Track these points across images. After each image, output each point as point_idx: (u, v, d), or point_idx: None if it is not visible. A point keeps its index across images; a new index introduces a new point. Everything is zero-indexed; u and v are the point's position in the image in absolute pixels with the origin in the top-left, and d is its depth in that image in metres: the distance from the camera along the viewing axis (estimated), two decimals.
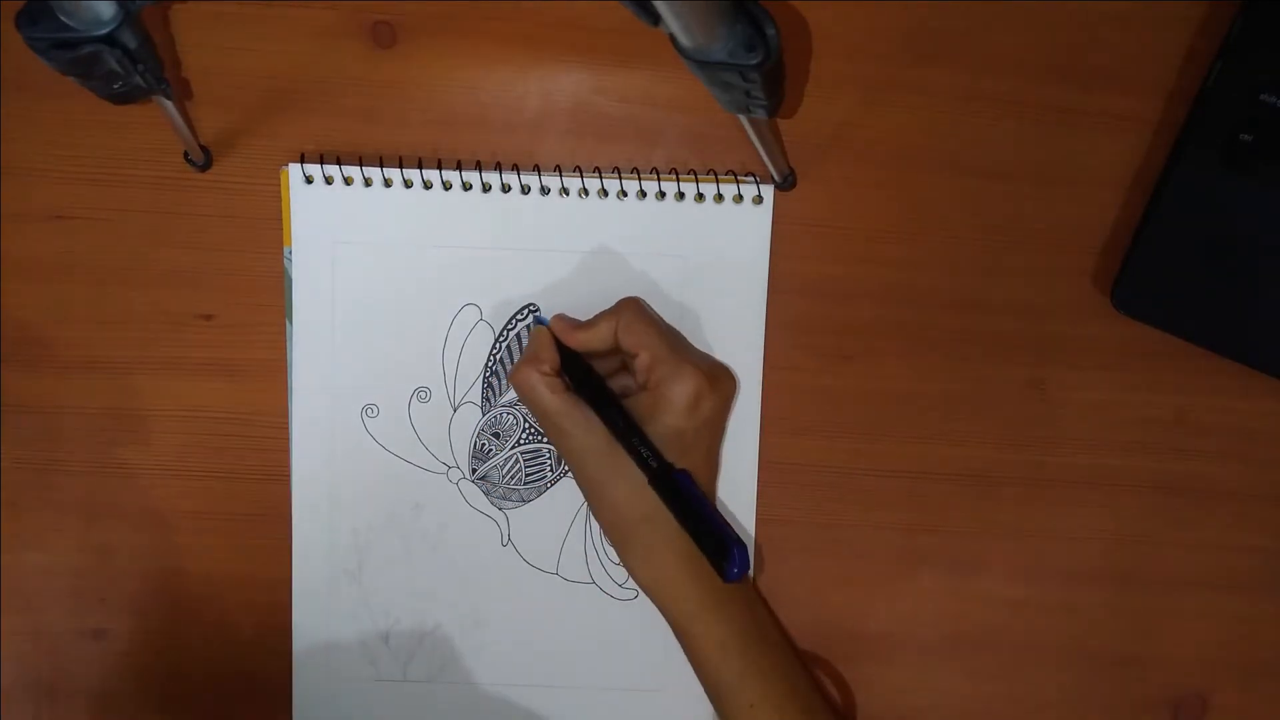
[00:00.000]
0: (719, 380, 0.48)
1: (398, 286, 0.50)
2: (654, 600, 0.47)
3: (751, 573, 0.51)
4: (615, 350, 0.47)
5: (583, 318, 0.50)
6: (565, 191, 0.49)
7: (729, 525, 0.43)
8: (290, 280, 0.50)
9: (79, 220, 0.50)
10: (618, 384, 0.48)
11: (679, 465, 0.44)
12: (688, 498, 0.44)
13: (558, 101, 0.50)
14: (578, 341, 0.47)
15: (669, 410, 0.45)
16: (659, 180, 0.49)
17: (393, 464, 0.51)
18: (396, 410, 0.51)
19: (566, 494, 0.51)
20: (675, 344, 0.47)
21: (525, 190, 0.49)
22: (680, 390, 0.45)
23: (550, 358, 0.46)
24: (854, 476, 0.51)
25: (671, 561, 0.45)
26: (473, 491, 0.51)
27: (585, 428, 0.45)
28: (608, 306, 0.49)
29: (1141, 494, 0.51)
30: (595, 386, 0.46)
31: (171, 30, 0.48)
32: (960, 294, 0.50)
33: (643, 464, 0.44)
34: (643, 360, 0.45)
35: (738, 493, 0.51)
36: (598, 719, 0.52)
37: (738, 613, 0.47)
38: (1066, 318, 0.50)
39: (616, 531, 0.46)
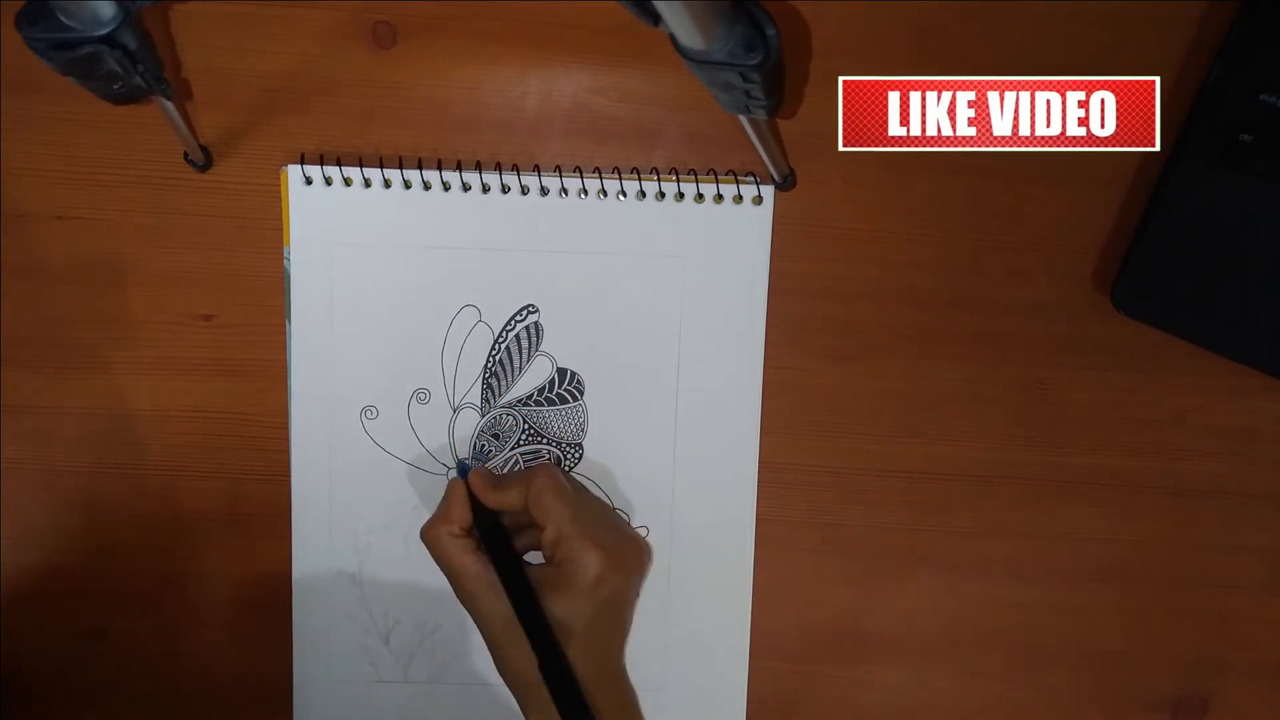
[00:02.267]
0: (624, 559, 0.48)
1: (397, 287, 0.50)
2: None
3: (750, 592, 0.51)
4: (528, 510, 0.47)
5: (582, 319, 0.50)
6: (565, 192, 0.49)
7: None
8: (290, 280, 0.50)
9: (79, 220, 0.50)
10: (530, 537, 0.49)
11: (576, 642, 0.45)
12: (566, 694, 0.44)
13: (557, 102, 0.49)
14: (491, 502, 0.47)
15: (570, 589, 0.45)
16: (659, 180, 0.49)
17: (393, 465, 0.51)
18: (396, 411, 0.51)
19: None
20: (583, 519, 0.46)
21: (525, 190, 0.49)
22: (582, 570, 0.45)
23: (462, 516, 0.47)
24: (854, 476, 0.51)
25: None
26: None
27: (491, 593, 0.46)
28: (605, 307, 0.49)
29: (1141, 494, 0.51)
30: (502, 550, 0.47)
31: (171, 30, 0.48)
32: (960, 294, 0.50)
33: (535, 646, 0.45)
34: (548, 535, 0.46)
35: (738, 493, 0.51)
36: None
37: None
38: (1066, 318, 0.50)
39: (517, 690, 0.47)
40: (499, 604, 0.46)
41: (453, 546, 0.46)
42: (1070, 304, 0.50)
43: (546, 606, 0.45)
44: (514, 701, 0.50)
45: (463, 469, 0.50)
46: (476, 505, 0.47)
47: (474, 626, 0.51)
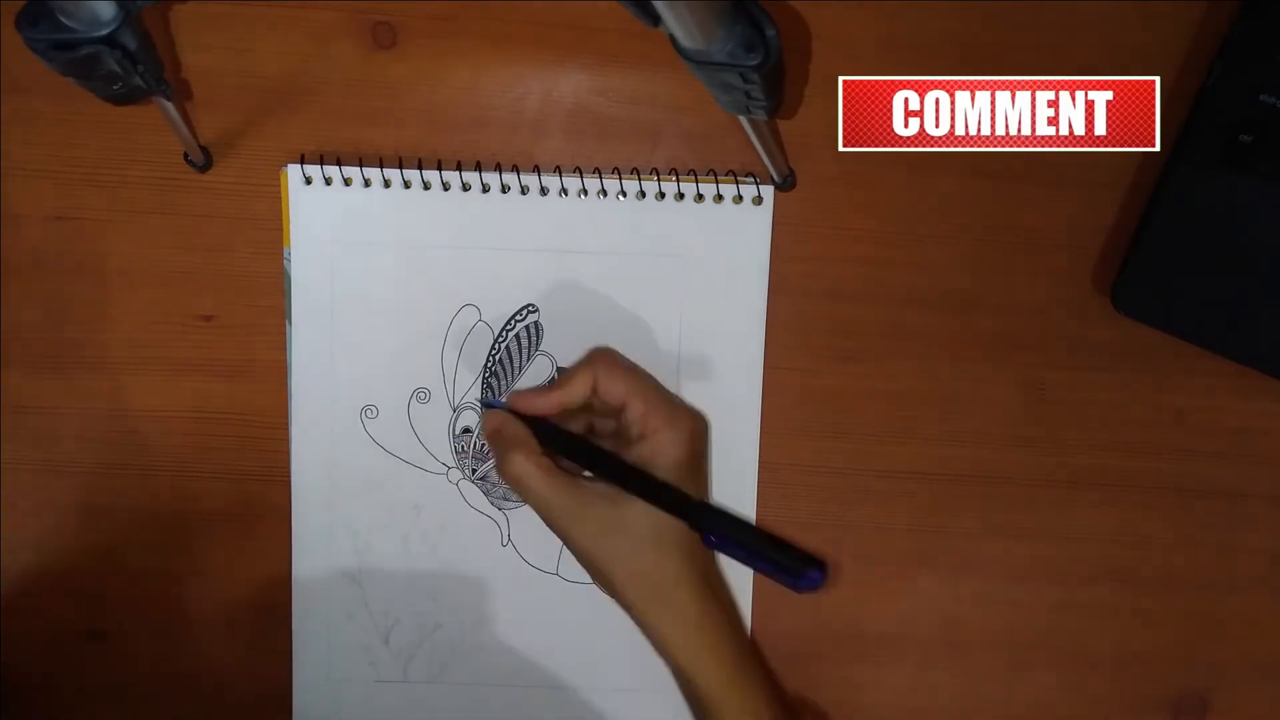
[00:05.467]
0: (700, 419, 0.47)
1: (397, 287, 0.50)
2: (684, 668, 0.45)
3: (750, 592, 0.51)
4: (584, 408, 0.46)
5: (582, 319, 0.50)
6: (565, 192, 0.49)
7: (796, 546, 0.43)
8: (290, 281, 0.50)
9: (79, 220, 0.50)
10: (609, 442, 0.47)
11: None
12: (739, 527, 0.43)
13: (558, 102, 0.49)
14: (552, 404, 0.44)
15: (669, 457, 0.44)
16: (659, 180, 0.49)
17: (392, 464, 0.51)
18: (396, 411, 0.51)
19: None
20: (661, 388, 0.46)
21: (525, 191, 0.49)
22: (680, 435, 0.44)
23: (529, 440, 0.44)
24: (854, 476, 0.51)
25: (710, 628, 0.45)
26: (472, 492, 0.51)
27: (598, 506, 0.43)
28: (605, 307, 0.49)
29: (1141, 494, 0.51)
30: (589, 452, 0.44)
31: (171, 31, 0.48)
32: (960, 294, 0.50)
33: (678, 511, 0.42)
34: (635, 409, 0.44)
35: (738, 493, 0.51)
36: (597, 719, 0.52)
37: (758, 680, 0.46)
38: (1066, 318, 0.50)
39: (649, 602, 0.44)
40: (610, 514, 0.43)
41: (541, 477, 0.43)
42: (1070, 304, 0.50)
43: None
44: (514, 701, 0.50)
45: (488, 404, 0.48)
46: (534, 427, 0.45)
47: (474, 626, 0.52)
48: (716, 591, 0.46)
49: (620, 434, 0.46)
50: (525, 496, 0.45)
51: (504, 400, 0.47)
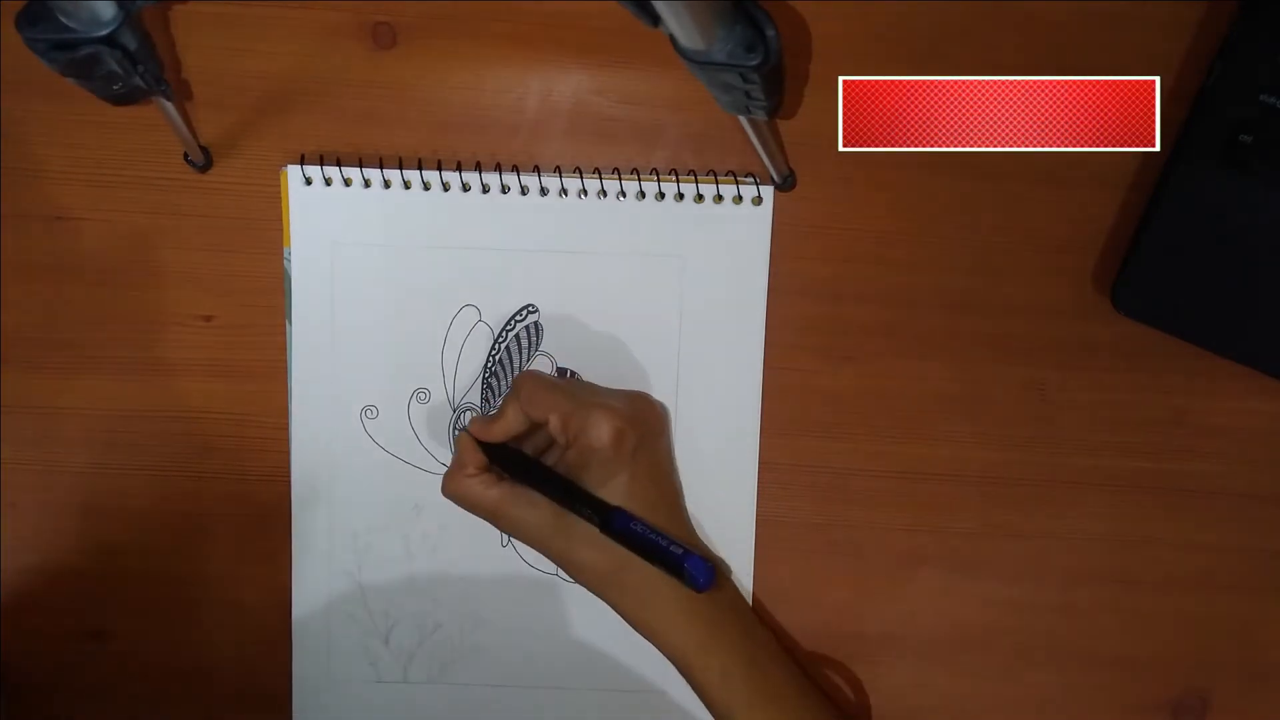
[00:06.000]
0: (635, 410, 0.47)
1: (397, 287, 0.50)
2: (654, 643, 0.47)
3: (750, 592, 0.51)
4: (536, 426, 0.47)
5: (582, 319, 0.50)
6: (565, 192, 0.49)
7: (678, 543, 0.43)
8: (290, 281, 0.50)
9: (79, 220, 0.50)
10: (554, 458, 0.48)
11: (626, 503, 0.45)
12: (632, 532, 0.44)
13: (557, 102, 0.49)
14: (495, 433, 0.47)
15: (594, 456, 0.45)
16: (659, 180, 0.49)
17: (392, 465, 0.51)
18: (396, 411, 0.51)
19: None
20: (579, 395, 0.46)
21: (525, 191, 0.49)
22: (596, 434, 0.45)
23: (474, 459, 0.46)
24: (854, 476, 0.51)
25: (663, 598, 0.46)
26: None
27: (530, 508, 0.46)
28: (605, 307, 0.49)
29: (1141, 494, 0.51)
30: (525, 465, 0.47)
31: (171, 31, 0.48)
32: (960, 294, 0.50)
33: (587, 518, 0.44)
34: (554, 423, 0.46)
35: (738, 493, 0.51)
36: (597, 719, 0.52)
37: (737, 639, 0.47)
38: (1066, 318, 0.50)
39: (600, 589, 0.47)
40: (541, 514, 0.46)
41: (475, 486, 0.46)
42: (1070, 304, 0.50)
43: (584, 487, 0.45)
44: (513, 702, 0.50)
45: (463, 427, 0.50)
46: (489, 448, 0.47)
47: (474, 626, 0.52)
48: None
49: (557, 445, 0.47)
50: (468, 509, 0.47)
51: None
